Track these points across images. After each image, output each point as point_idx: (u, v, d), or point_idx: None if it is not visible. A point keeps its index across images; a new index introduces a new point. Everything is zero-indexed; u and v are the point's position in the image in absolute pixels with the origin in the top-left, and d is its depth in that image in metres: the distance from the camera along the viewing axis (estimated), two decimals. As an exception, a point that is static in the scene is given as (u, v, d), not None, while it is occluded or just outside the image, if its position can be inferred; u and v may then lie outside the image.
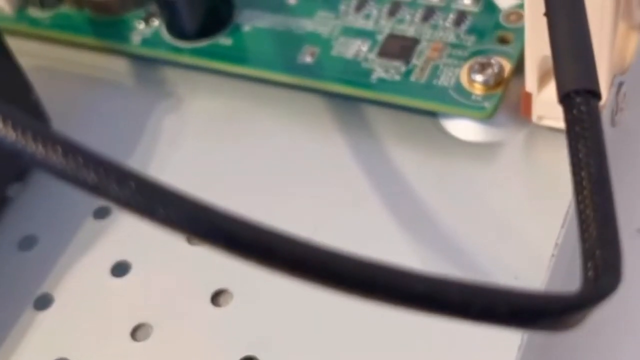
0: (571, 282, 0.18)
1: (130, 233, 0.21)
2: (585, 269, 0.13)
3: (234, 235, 0.12)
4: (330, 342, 0.19)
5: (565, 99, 0.14)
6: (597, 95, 0.14)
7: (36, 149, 0.12)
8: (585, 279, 0.13)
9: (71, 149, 0.12)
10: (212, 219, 0.12)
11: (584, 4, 0.15)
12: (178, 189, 0.12)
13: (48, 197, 0.22)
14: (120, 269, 0.21)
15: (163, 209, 0.12)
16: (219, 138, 0.23)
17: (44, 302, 0.20)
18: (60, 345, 0.20)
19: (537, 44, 0.19)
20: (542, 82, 0.20)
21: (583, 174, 0.13)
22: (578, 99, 0.14)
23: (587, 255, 0.13)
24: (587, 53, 0.15)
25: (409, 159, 0.21)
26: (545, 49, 0.19)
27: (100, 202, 0.22)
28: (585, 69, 0.14)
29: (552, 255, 0.18)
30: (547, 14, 0.15)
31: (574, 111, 0.14)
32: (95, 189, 0.12)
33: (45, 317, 0.20)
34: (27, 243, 0.21)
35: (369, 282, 0.12)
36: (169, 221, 0.12)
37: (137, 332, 0.20)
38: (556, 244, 0.18)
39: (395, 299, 0.12)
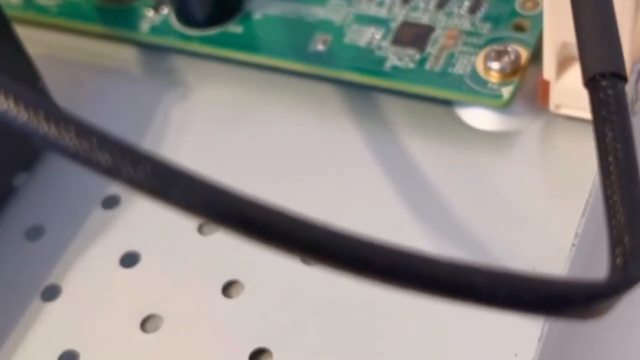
0: (591, 273, 0.18)
1: (140, 223, 0.21)
2: (613, 255, 0.12)
3: (251, 218, 0.11)
4: (342, 332, 0.18)
5: (590, 82, 0.14)
6: (623, 78, 0.14)
7: (48, 129, 0.11)
8: (613, 266, 0.12)
9: (85, 129, 0.11)
10: (229, 202, 0.11)
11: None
12: (194, 171, 0.12)
13: (55, 186, 0.22)
14: (129, 260, 0.20)
15: (179, 191, 0.11)
16: (229, 127, 0.22)
17: (51, 293, 0.20)
18: (68, 336, 0.19)
19: (556, 30, 0.19)
20: (560, 69, 0.20)
21: (610, 158, 0.13)
22: (604, 82, 0.14)
23: (615, 241, 0.12)
24: (612, 35, 0.14)
25: (423, 149, 0.21)
26: (564, 36, 0.19)
27: (109, 191, 0.21)
28: (611, 52, 0.14)
29: (573, 245, 0.18)
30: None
31: (600, 94, 0.13)
32: (109, 171, 0.11)
33: (53, 308, 0.20)
34: (35, 233, 0.21)
35: (391, 268, 0.11)
36: (184, 204, 0.11)
37: (147, 323, 0.19)
38: (576, 234, 0.18)
39: (418, 285, 0.11)
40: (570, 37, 0.18)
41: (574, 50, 0.19)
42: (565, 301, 0.12)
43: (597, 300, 0.12)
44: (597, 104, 0.14)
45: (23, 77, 0.21)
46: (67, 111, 0.12)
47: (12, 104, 0.11)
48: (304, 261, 0.19)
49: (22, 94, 0.12)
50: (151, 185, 0.11)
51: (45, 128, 0.11)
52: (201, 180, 0.11)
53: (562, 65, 0.20)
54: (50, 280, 0.20)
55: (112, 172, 0.11)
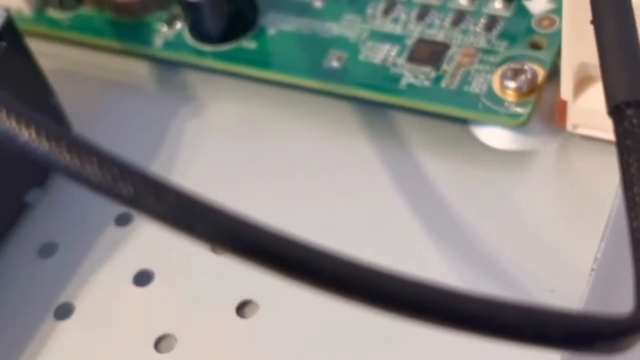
0: (611, 298, 0.18)
1: (153, 241, 0.21)
2: (638, 291, 0.12)
3: (275, 252, 0.11)
4: (358, 352, 0.18)
5: (615, 110, 0.14)
6: (649, 107, 0.14)
7: (70, 160, 0.11)
8: (638, 302, 0.12)
9: (107, 160, 0.11)
10: (253, 236, 0.11)
11: (632, 12, 0.15)
12: (219, 203, 0.12)
13: (68, 203, 0.22)
14: (143, 278, 0.20)
15: (203, 225, 0.11)
16: (242, 142, 0.22)
17: (64, 312, 0.20)
18: (81, 356, 0.19)
19: (574, 51, 0.19)
20: (578, 89, 0.20)
21: (635, 189, 0.13)
22: (629, 111, 0.14)
23: (642, 275, 0.12)
24: (637, 62, 0.14)
25: (439, 168, 0.21)
26: (583, 56, 0.18)
27: (122, 209, 0.21)
28: (636, 79, 0.14)
29: (592, 270, 0.18)
30: (594, 21, 0.15)
31: (625, 123, 0.13)
32: (132, 203, 0.11)
33: (66, 327, 0.20)
34: (47, 250, 0.21)
35: (419, 304, 0.11)
36: (208, 237, 0.11)
37: (161, 343, 0.19)
38: (596, 258, 0.18)
39: (446, 322, 0.11)
40: (589, 57, 0.18)
41: (592, 70, 0.19)
42: (592, 337, 0.12)
43: (623, 337, 0.12)
44: (621, 134, 0.13)
45: (36, 92, 0.21)
46: (89, 140, 0.12)
47: (33, 133, 0.11)
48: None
49: (43, 123, 0.11)
50: (174, 218, 0.11)
51: (68, 159, 0.11)
52: (225, 213, 0.11)
53: (580, 86, 0.20)
54: (63, 298, 0.20)
55: (134, 204, 0.11)
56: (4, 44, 0.20)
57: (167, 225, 0.11)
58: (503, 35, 0.22)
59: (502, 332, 0.11)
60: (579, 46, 0.18)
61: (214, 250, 0.20)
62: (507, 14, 0.22)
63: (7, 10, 0.20)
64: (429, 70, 0.21)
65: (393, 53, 0.22)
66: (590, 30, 0.17)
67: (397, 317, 0.12)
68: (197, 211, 0.11)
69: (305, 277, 0.11)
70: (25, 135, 0.11)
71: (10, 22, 0.20)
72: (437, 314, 0.11)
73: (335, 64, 0.22)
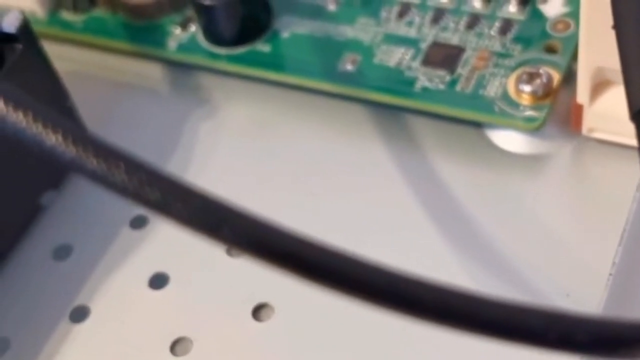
0: (629, 302, 0.18)
1: (168, 244, 0.21)
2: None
3: (301, 257, 0.11)
4: (375, 355, 0.18)
5: (638, 116, 0.14)
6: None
7: (97, 165, 0.11)
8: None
9: (134, 165, 0.11)
10: (279, 240, 0.11)
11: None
12: (245, 208, 0.12)
13: (83, 205, 0.22)
14: (158, 281, 0.20)
15: (228, 229, 0.11)
16: (256, 145, 0.22)
17: (80, 314, 0.20)
18: (97, 358, 0.19)
19: (591, 55, 0.19)
20: (594, 93, 0.20)
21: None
22: (652, 117, 0.14)
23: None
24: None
25: (453, 171, 0.21)
26: (600, 61, 0.18)
27: (137, 211, 0.21)
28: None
29: (610, 275, 0.18)
30: (616, 27, 0.15)
31: (648, 129, 0.13)
32: (158, 207, 0.11)
33: (82, 330, 0.20)
34: (62, 253, 0.21)
35: (444, 309, 0.11)
36: (234, 241, 0.11)
37: (177, 346, 0.19)
38: (614, 263, 0.18)
39: (470, 327, 0.11)
40: (606, 62, 0.18)
41: (609, 75, 0.19)
42: (617, 342, 0.12)
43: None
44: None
45: (51, 94, 0.21)
46: (115, 145, 0.12)
47: (60, 138, 0.11)
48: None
49: (70, 128, 0.11)
50: (200, 222, 0.11)
51: (95, 163, 0.11)
52: (251, 217, 0.11)
53: (596, 90, 0.20)
54: (79, 301, 0.20)
55: (161, 208, 0.11)
56: (19, 46, 0.20)
57: (193, 229, 0.11)
58: (518, 39, 0.22)
59: (527, 337, 0.11)
60: (596, 50, 0.18)
61: (228, 251, 0.20)
62: (521, 17, 0.22)
63: (23, 13, 0.20)
64: (443, 74, 0.21)
65: (407, 56, 0.22)
66: (607, 35, 0.17)
67: (422, 322, 0.12)
68: (223, 215, 0.11)
69: (329, 282, 0.11)
70: (52, 140, 0.11)
71: (26, 25, 0.20)
72: (462, 320, 0.11)
73: (349, 67, 0.22)
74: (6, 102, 0.11)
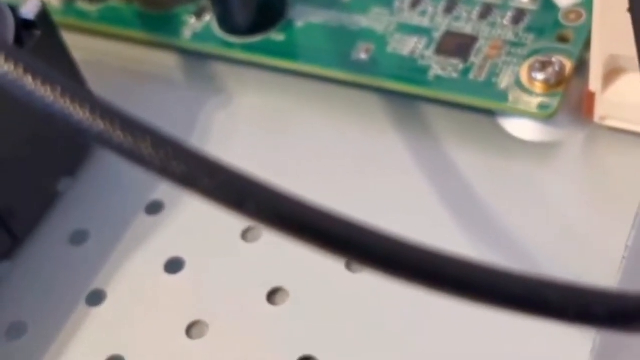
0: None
1: (184, 229, 0.21)
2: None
3: (325, 229, 0.12)
4: (389, 340, 0.18)
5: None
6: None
7: (124, 139, 0.11)
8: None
9: (161, 139, 0.11)
10: (304, 214, 0.11)
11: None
12: (269, 182, 0.12)
13: (99, 191, 0.22)
14: (174, 266, 0.20)
15: (253, 203, 0.11)
16: (270, 134, 0.22)
17: (96, 298, 0.20)
18: (114, 342, 0.19)
19: (604, 42, 0.19)
20: (606, 81, 0.20)
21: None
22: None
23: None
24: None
25: (466, 158, 0.21)
26: (613, 48, 0.19)
27: (153, 197, 0.22)
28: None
29: (623, 258, 0.18)
30: (631, 9, 0.15)
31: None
32: (184, 181, 0.11)
33: (98, 313, 0.20)
34: (79, 238, 0.21)
35: (464, 282, 0.11)
36: (258, 215, 0.11)
37: (192, 329, 0.19)
38: (627, 246, 0.18)
39: (489, 299, 0.12)
40: (619, 49, 0.18)
41: (621, 62, 0.19)
42: (636, 316, 0.12)
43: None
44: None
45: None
46: (142, 120, 0.12)
47: (87, 112, 0.12)
48: (349, 268, 0.19)
49: (97, 102, 0.12)
50: (226, 196, 0.11)
51: (121, 137, 0.12)
52: (276, 191, 0.11)
53: (609, 77, 0.20)
54: (95, 285, 0.20)
55: (187, 182, 0.11)
56: (38, 32, 0.20)
57: (219, 203, 0.11)
58: (530, 29, 0.22)
59: (546, 311, 0.12)
60: (609, 38, 0.19)
61: (243, 236, 0.20)
62: (534, 7, 0.22)
63: (42, 1, 0.20)
64: (457, 62, 0.22)
65: (421, 45, 0.22)
66: (620, 22, 0.18)
67: (441, 294, 0.12)
68: (249, 189, 0.11)
69: (353, 254, 0.11)
70: (80, 114, 0.12)
71: (44, 12, 0.20)
72: (482, 293, 0.12)
73: (363, 55, 0.22)
74: (34, 76, 0.12)
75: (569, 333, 0.17)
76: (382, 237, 0.11)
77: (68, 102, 0.12)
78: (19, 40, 0.20)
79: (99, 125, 0.12)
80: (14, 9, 0.20)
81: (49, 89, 0.12)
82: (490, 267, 0.12)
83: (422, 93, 0.22)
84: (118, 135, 0.11)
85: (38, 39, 0.20)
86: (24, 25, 0.20)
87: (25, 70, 0.12)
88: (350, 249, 0.11)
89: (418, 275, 0.11)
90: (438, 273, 0.11)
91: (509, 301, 0.12)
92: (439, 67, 0.22)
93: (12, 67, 0.12)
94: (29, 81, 0.12)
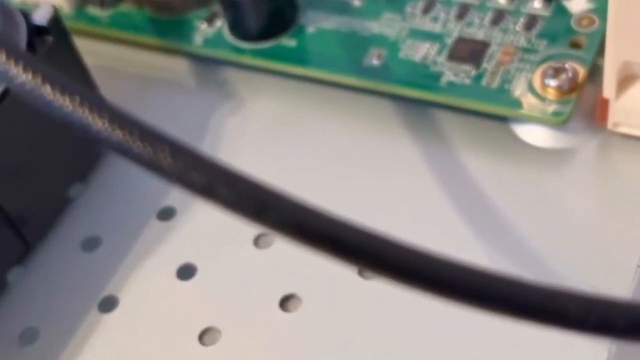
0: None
1: (196, 235, 0.21)
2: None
3: (343, 240, 0.11)
4: (402, 346, 0.18)
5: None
6: None
7: (143, 149, 0.11)
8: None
9: (179, 149, 0.11)
10: (322, 224, 0.11)
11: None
12: (288, 193, 0.12)
13: (110, 197, 0.22)
14: (186, 272, 0.20)
15: (273, 213, 0.11)
16: (281, 139, 0.22)
17: (108, 304, 0.20)
18: (126, 348, 0.19)
19: (618, 49, 0.19)
20: (620, 88, 0.20)
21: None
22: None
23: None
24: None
25: (479, 165, 0.21)
26: (627, 55, 0.19)
27: (165, 203, 0.22)
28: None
29: (638, 267, 0.18)
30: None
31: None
32: (204, 191, 0.11)
33: (110, 320, 0.20)
34: (91, 244, 0.21)
35: (483, 293, 0.11)
36: (278, 225, 0.11)
37: (205, 336, 0.19)
38: (642, 255, 0.18)
39: (509, 310, 0.12)
40: (632, 56, 0.18)
41: (635, 69, 0.19)
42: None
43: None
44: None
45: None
46: (161, 130, 0.12)
47: (106, 122, 0.12)
48: (362, 275, 0.19)
49: (116, 112, 0.12)
50: (245, 206, 0.11)
51: (140, 147, 0.11)
52: (295, 202, 0.11)
53: (622, 84, 0.20)
54: (107, 291, 0.20)
55: (206, 192, 0.11)
56: (50, 38, 0.20)
57: (238, 213, 0.11)
58: (543, 35, 0.22)
59: (566, 321, 0.12)
60: (623, 44, 0.19)
61: (255, 243, 0.20)
62: (546, 13, 0.22)
63: (54, 6, 0.20)
64: (469, 69, 0.21)
65: (433, 51, 0.22)
66: (635, 29, 0.18)
67: (459, 305, 0.12)
68: (267, 200, 0.11)
69: (372, 265, 0.11)
70: (99, 124, 0.12)
71: (56, 18, 0.20)
72: (502, 304, 0.11)
73: (375, 61, 0.22)
74: (53, 86, 0.12)
75: (583, 343, 0.17)
76: (401, 248, 0.11)
77: (87, 111, 0.12)
78: (31, 46, 0.20)
79: (118, 135, 0.11)
80: (26, 15, 0.20)
81: (67, 98, 0.12)
82: (508, 278, 0.11)
83: (435, 99, 0.22)
84: (137, 145, 0.11)
85: (50, 45, 0.20)
86: (36, 31, 0.20)
87: (44, 80, 0.12)
88: (369, 260, 0.11)
89: (439, 288, 0.11)
90: (457, 284, 0.11)
91: (528, 312, 0.12)
92: (451, 73, 0.22)
93: (30, 76, 0.12)
94: (47, 91, 0.12)
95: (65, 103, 0.12)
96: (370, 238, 0.11)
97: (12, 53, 0.12)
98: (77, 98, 0.11)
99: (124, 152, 0.11)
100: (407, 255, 0.11)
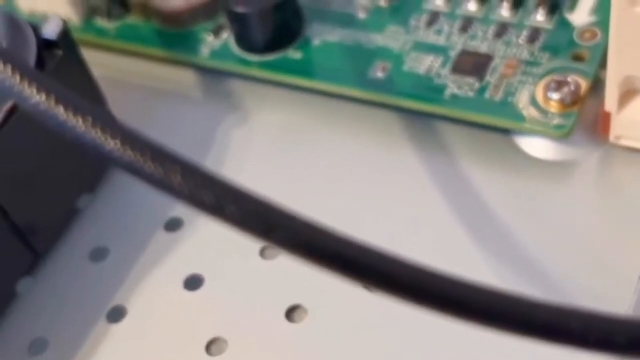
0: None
1: (203, 246, 0.21)
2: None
3: (350, 259, 0.12)
4: (407, 357, 0.19)
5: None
6: None
7: (155, 169, 0.12)
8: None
9: (189, 168, 0.12)
10: (329, 243, 0.12)
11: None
12: (295, 211, 0.12)
13: (118, 208, 0.22)
14: (193, 283, 0.21)
15: (281, 232, 0.11)
16: (287, 151, 0.23)
17: (117, 315, 0.20)
18: (134, 357, 0.20)
19: (620, 64, 0.19)
20: (622, 101, 0.20)
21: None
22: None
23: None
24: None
25: (482, 177, 0.21)
26: (629, 69, 0.19)
27: (172, 214, 0.22)
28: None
29: (639, 278, 0.18)
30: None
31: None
32: (213, 210, 0.11)
33: (119, 330, 0.20)
34: (99, 255, 0.21)
35: (488, 311, 0.12)
36: (285, 244, 0.12)
37: (212, 346, 0.20)
38: (643, 267, 0.18)
39: (514, 328, 0.12)
40: (634, 70, 0.19)
41: (637, 83, 0.19)
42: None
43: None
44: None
45: (89, 100, 0.22)
46: (170, 149, 0.12)
47: (118, 143, 0.12)
48: (367, 288, 0.20)
49: (128, 133, 0.12)
50: (254, 225, 0.12)
51: (152, 168, 0.12)
52: (303, 221, 0.12)
53: (625, 98, 0.20)
54: (116, 302, 0.21)
55: (215, 211, 0.12)
56: (60, 52, 0.20)
57: (247, 232, 0.12)
58: (546, 48, 0.22)
59: (568, 338, 0.12)
60: (625, 59, 0.19)
61: (261, 254, 0.20)
62: (549, 26, 0.22)
63: (63, 20, 0.21)
64: (473, 81, 0.22)
65: (437, 64, 0.22)
66: (637, 44, 0.18)
67: (463, 322, 0.12)
68: (276, 219, 0.12)
69: (375, 282, 0.12)
70: (111, 144, 0.12)
71: (66, 32, 0.21)
72: (506, 321, 0.12)
73: (379, 74, 0.22)
74: (66, 108, 0.12)
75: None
76: (407, 267, 0.12)
77: (99, 132, 0.12)
78: (40, 60, 0.20)
79: (130, 155, 0.12)
80: (35, 29, 0.20)
81: (80, 120, 0.12)
82: (512, 296, 0.12)
83: (438, 112, 0.22)
84: (149, 165, 0.12)
85: (60, 59, 0.20)
86: (45, 45, 0.20)
87: (57, 101, 0.12)
88: (376, 279, 0.12)
89: (444, 306, 0.12)
90: (461, 303, 0.12)
91: (531, 329, 0.12)
92: (455, 86, 0.22)
93: (44, 97, 0.12)
94: (60, 112, 0.12)
95: (78, 124, 0.12)
96: (377, 257, 0.12)
97: (25, 72, 0.12)
98: (90, 119, 0.12)
99: (136, 172, 0.12)
100: (415, 276, 0.12)
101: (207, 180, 0.12)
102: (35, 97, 0.12)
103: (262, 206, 0.12)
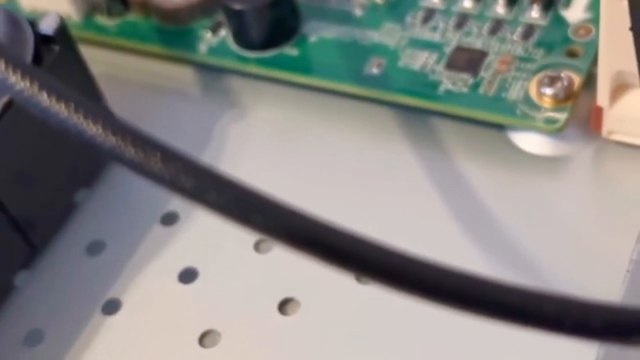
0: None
1: (198, 240, 0.21)
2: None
3: (329, 243, 0.12)
4: (398, 350, 0.19)
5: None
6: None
7: (135, 154, 0.12)
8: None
9: (170, 154, 0.12)
10: (309, 228, 0.12)
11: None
12: (276, 197, 0.12)
13: (115, 202, 0.22)
14: (187, 276, 0.21)
15: (260, 217, 0.12)
16: (284, 147, 0.23)
17: (112, 307, 0.21)
18: (128, 349, 0.20)
19: (611, 58, 0.19)
20: (614, 96, 0.20)
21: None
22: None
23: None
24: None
25: (476, 172, 0.21)
26: (620, 64, 0.19)
27: (168, 208, 0.22)
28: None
29: (627, 271, 0.18)
30: (633, 28, 0.15)
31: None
32: (193, 196, 0.12)
33: (114, 322, 0.20)
34: (95, 248, 0.22)
35: (461, 294, 0.12)
36: (265, 229, 0.12)
37: (205, 338, 0.20)
38: (631, 260, 0.18)
39: (488, 312, 0.12)
40: (625, 65, 0.19)
41: (628, 77, 0.19)
42: (632, 329, 0.12)
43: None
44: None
45: (86, 95, 0.22)
46: (152, 136, 0.12)
47: (100, 128, 0.12)
48: (359, 280, 0.20)
49: (109, 119, 0.12)
50: (233, 210, 0.12)
51: (132, 152, 0.12)
52: (282, 206, 0.12)
53: (616, 92, 0.20)
54: (111, 294, 0.21)
55: (195, 196, 0.12)
56: (57, 47, 0.21)
57: (226, 217, 0.12)
58: (540, 44, 0.22)
59: (543, 322, 0.12)
60: (615, 54, 0.19)
61: (255, 247, 0.21)
62: (543, 22, 0.23)
63: (60, 16, 0.21)
64: (466, 77, 0.22)
65: (432, 60, 0.22)
66: (627, 39, 0.18)
67: (441, 306, 0.12)
68: (255, 204, 0.12)
69: (359, 268, 0.12)
70: (92, 129, 0.12)
71: (63, 27, 0.21)
72: (478, 305, 0.12)
73: (375, 70, 0.23)
74: (49, 94, 0.12)
75: (572, 345, 0.17)
76: (385, 251, 0.12)
77: (81, 118, 0.12)
78: (37, 55, 0.20)
79: (111, 140, 0.12)
80: (33, 24, 0.20)
81: (63, 105, 0.12)
82: (486, 279, 0.12)
83: (433, 107, 0.22)
84: (129, 150, 0.12)
85: (56, 54, 0.21)
86: (43, 40, 0.20)
87: (40, 88, 0.12)
88: (355, 263, 0.12)
89: (417, 288, 0.12)
90: (435, 286, 0.12)
91: (506, 313, 0.12)
92: (449, 81, 0.22)
93: (27, 84, 0.12)
94: (43, 98, 0.12)
95: (61, 110, 0.12)
96: (356, 242, 0.12)
97: (10, 61, 0.12)
98: (72, 105, 0.12)
99: (117, 157, 0.12)
100: (391, 259, 0.12)
101: (187, 166, 0.12)
102: (19, 83, 0.12)
103: (241, 191, 0.12)
